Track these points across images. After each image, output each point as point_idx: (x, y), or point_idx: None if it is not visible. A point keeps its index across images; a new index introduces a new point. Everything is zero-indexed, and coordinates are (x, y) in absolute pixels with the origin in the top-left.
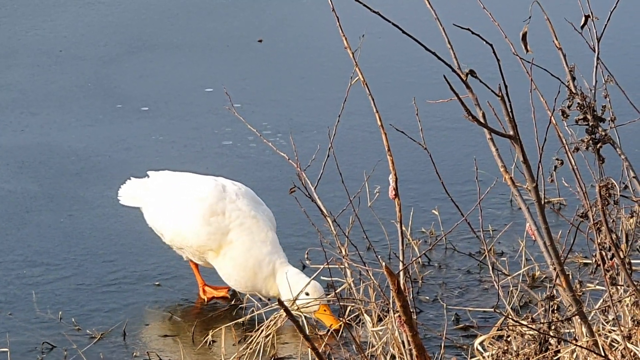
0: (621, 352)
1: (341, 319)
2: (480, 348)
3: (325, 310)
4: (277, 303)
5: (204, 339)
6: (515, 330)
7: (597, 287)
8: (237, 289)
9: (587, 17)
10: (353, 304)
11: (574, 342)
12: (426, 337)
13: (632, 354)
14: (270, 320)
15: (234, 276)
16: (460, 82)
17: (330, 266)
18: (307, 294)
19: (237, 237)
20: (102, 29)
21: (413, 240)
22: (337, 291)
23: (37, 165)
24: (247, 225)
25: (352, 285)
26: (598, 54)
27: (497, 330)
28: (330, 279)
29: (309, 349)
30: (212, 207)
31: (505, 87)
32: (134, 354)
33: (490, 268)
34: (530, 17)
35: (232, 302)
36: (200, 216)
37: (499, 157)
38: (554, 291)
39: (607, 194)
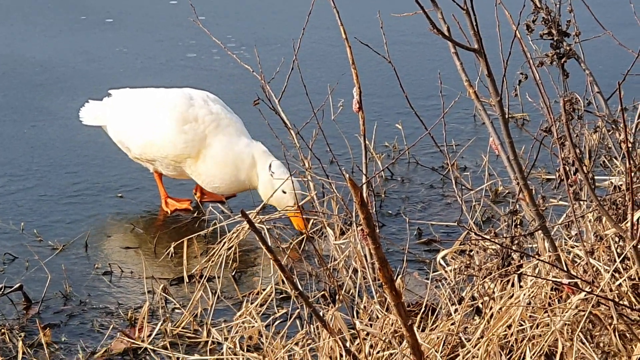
0: (583, 268)
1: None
2: (442, 262)
3: (297, 213)
4: (240, 215)
5: (166, 251)
6: (478, 244)
7: (560, 202)
8: (221, 191)
9: None
10: (316, 217)
11: (536, 257)
12: (388, 251)
13: (594, 269)
14: (233, 233)
15: (218, 176)
16: None
17: (293, 179)
18: (284, 192)
19: (215, 138)
20: None
21: (376, 154)
22: (300, 204)
23: (1, 77)
24: (223, 125)
25: (315, 198)
26: None
27: (460, 244)
28: (293, 191)
29: (271, 261)
30: (183, 115)
31: (471, 0)
32: (96, 265)
33: (454, 182)
34: None
35: (195, 215)
36: (173, 126)
37: (463, 71)
38: (517, 206)
39: (572, 109)
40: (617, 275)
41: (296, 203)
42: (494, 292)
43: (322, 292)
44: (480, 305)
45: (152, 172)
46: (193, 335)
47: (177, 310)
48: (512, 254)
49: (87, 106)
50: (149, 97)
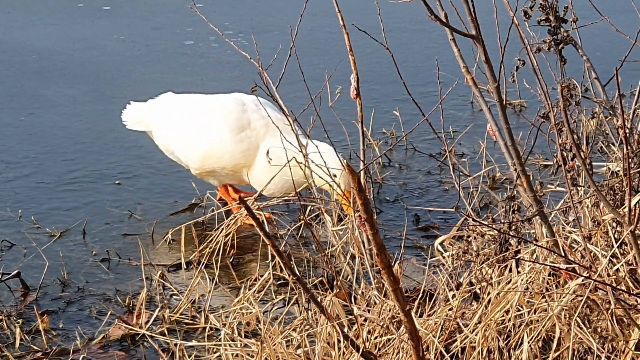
0: (581, 253)
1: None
2: (440, 248)
3: (345, 196)
4: (238, 201)
5: (164, 237)
6: (476, 230)
7: (558, 188)
8: (279, 195)
9: None
10: (313, 204)
11: (534, 242)
12: (386, 238)
13: (591, 254)
14: (231, 220)
15: (267, 180)
16: None
17: (291, 165)
18: (335, 175)
19: (263, 144)
20: None
21: (374, 141)
22: (297, 191)
23: None
24: (271, 128)
25: (313, 184)
26: None
27: (458, 230)
28: (291, 178)
29: (270, 248)
30: (238, 122)
31: None
32: (94, 252)
33: (451, 169)
34: None
35: (193, 201)
36: (229, 135)
37: (460, 58)
38: (515, 192)
39: (569, 95)
40: (614, 260)
41: (346, 190)
42: (491, 278)
43: (320, 278)
44: (478, 291)
45: (216, 186)
46: (191, 322)
47: (174, 297)
48: (510, 239)
49: (129, 108)
50: (198, 102)
